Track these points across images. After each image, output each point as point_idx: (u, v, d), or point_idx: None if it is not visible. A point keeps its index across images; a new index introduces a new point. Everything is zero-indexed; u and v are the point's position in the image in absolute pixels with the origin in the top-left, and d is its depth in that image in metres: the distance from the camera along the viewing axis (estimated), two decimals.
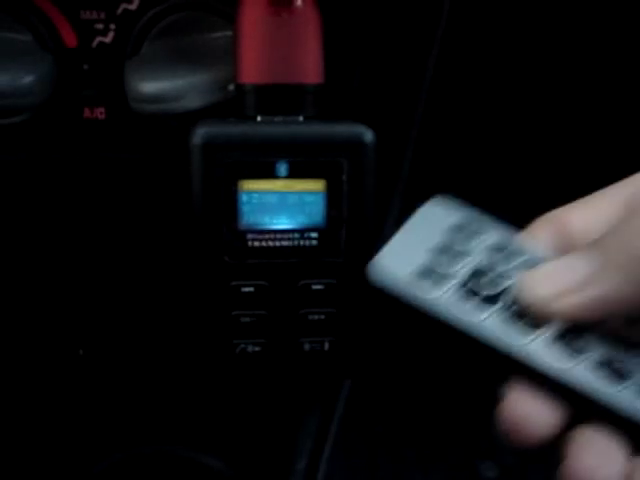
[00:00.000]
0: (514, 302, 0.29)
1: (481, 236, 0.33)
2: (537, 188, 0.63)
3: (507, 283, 0.30)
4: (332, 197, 0.42)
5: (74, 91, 0.49)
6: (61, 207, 0.54)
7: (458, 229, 0.33)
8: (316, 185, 0.42)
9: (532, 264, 0.31)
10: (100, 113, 0.49)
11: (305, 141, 0.42)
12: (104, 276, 0.58)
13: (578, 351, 0.28)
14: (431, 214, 0.34)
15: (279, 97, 0.43)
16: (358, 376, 0.45)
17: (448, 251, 0.32)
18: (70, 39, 0.48)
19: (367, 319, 0.44)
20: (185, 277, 0.44)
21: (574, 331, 0.28)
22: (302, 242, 0.42)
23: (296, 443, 0.57)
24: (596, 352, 0.28)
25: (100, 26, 0.48)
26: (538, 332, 0.28)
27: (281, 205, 0.42)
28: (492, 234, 0.33)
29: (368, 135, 0.42)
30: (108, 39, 0.48)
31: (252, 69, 0.42)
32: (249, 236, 0.42)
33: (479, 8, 0.54)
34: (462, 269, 0.31)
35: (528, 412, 0.28)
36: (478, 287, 0.30)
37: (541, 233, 0.33)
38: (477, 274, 0.31)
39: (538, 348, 0.28)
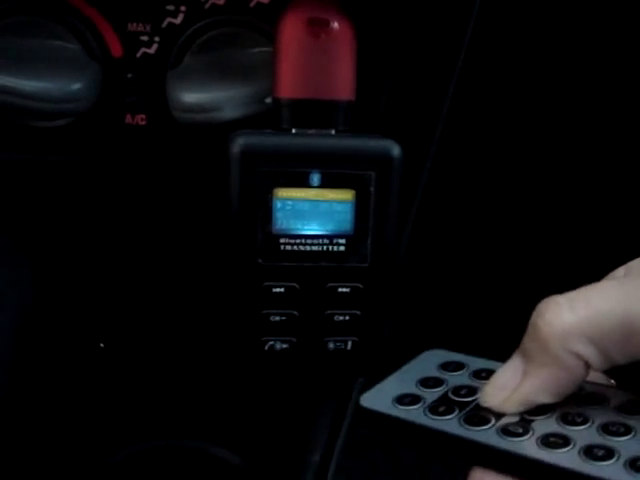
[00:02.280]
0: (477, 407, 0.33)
1: (465, 368, 0.36)
2: (555, 207, 0.64)
3: (475, 396, 0.34)
4: (360, 207, 0.44)
5: (118, 98, 0.50)
6: (100, 205, 0.55)
7: (444, 366, 0.36)
8: (346, 195, 0.44)
9: None
10: (141, 119, 0.50)
11: (337, 153, 0.44)
12: (135, 274, 0.59)
13: (528, 430, 0.31)
14: (423, 360, 0.37)
15: (313, 111, 0.44)
16: (373, 374, 0.47)
17: (430, 380, 0.35)
18: (116, 49, 0.49)
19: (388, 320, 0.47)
20: (219, 277, 0.45)
21: (530, 415, 0.32)
22: (331, 247, 0.45)
23: (310, 436, 0.58)
24: (546, 428, 0.31)
25: (145, 38, 0.49)
26: (493, 422, 0.32)
27: (312, 212, 0.44)
28: (477, 365, 0.36)
29: (396, 150, 0.44)
30: (152, 50, 0.49)
31: (289, 85, 0.44)
32: (281, 240, 0.44)
33: (502, 30, 0.55)
34: (441, 390, 0.34)
35: None
36: (451, 398, 0.34)
37: None
38: (452, 391, 0.34)
39: (494, 432, 0.31)
